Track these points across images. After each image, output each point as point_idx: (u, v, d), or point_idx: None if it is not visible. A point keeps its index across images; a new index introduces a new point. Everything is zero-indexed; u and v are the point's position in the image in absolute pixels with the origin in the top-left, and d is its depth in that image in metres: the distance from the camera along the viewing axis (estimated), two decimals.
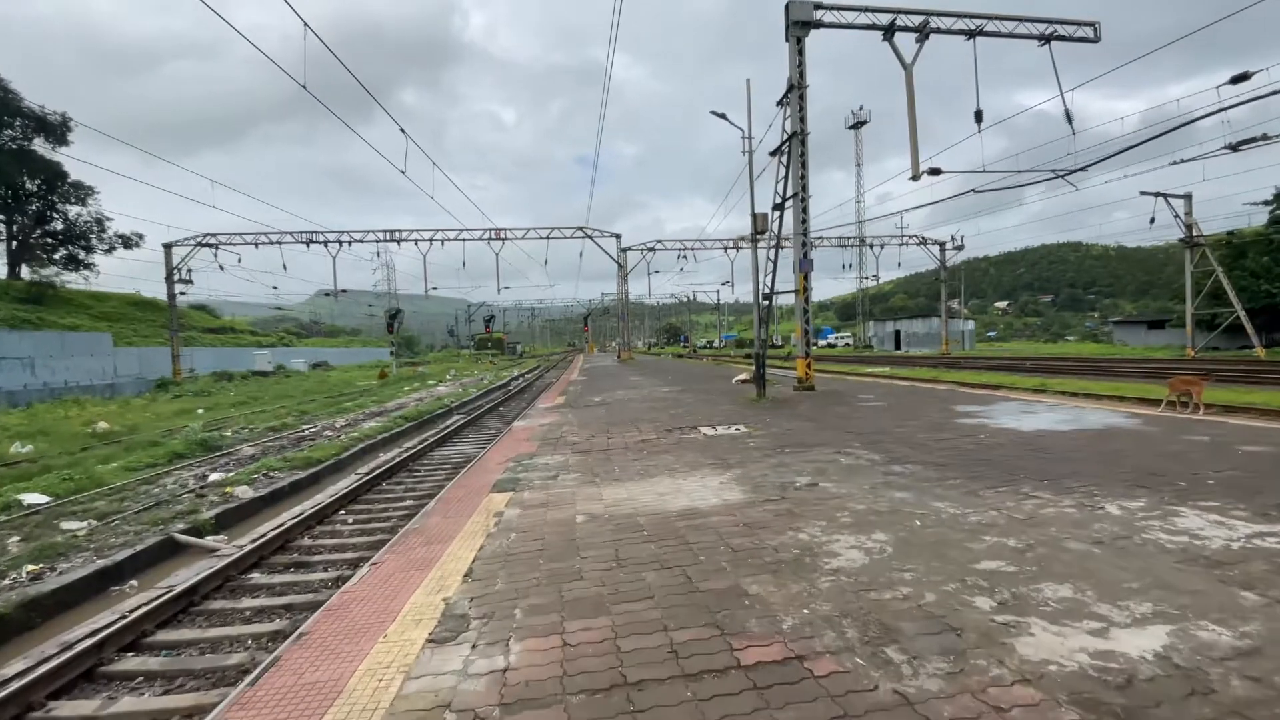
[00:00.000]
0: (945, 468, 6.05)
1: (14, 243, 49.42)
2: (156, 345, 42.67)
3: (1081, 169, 13.69)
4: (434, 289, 38.10)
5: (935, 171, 14.65)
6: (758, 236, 12.97)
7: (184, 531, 8.43)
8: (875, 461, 6.49)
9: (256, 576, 7.06)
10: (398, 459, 12.46)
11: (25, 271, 48.80)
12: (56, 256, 50.88)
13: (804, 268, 13.99)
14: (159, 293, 43.14)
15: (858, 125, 61.06)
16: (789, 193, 14.43)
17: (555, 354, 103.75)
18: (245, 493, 10.19)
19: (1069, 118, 16.71)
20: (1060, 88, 16.80)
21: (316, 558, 7.51)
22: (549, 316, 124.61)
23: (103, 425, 19.02)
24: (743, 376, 17.78)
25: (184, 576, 6.74)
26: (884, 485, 5.50)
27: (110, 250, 53.48)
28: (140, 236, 53.02)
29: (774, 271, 15.88)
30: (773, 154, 15.02)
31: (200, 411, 23.84)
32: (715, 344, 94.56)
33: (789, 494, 5.38)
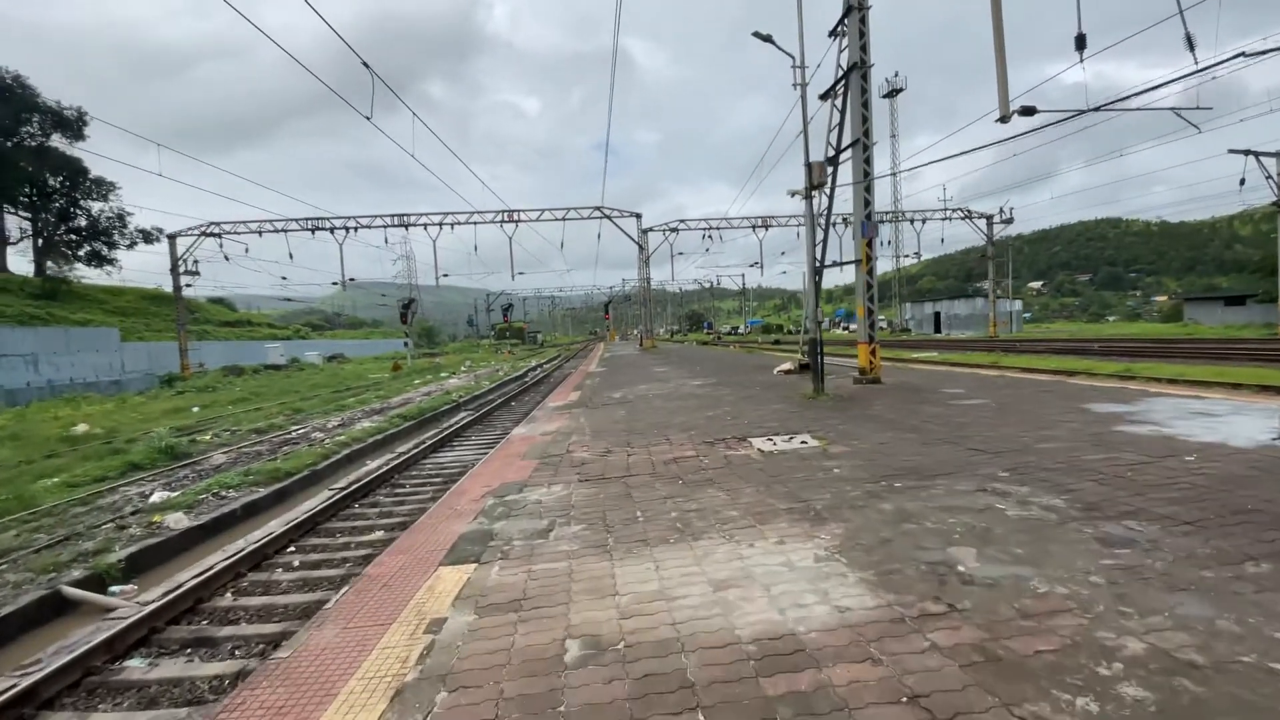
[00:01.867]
0: (1205, 531, 3.52)
1: (39, 239, 48.93)
2: (169, 340, 41.62)
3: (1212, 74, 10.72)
4: (445, 276, 36.18)
5: (1029, 111, 11.81)
6: (813, 192, 10.41)
7: (80, 582, 6.32)
8: (1061, 512, 3.98)
9: (133, 666, 4.91)
10: (383, 469, 10.40)
11: (51, 268, 48.37)
12: (80, 253, 50.38)
13: (867, 233, 11.37)
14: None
15: (893, 93, 57.05)
16: (846, 140, 11.77)
17: (577, 343, 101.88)
18: (178, 522, 8.10)
19: (1190, 44, 13.70)
20: (1180, 6, 13.79)
21: (226, 630, 5.32)
22: (570, 305, 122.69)
23: (82, 427, 17.31)
24: (786, 366, 15.24)
25: (47, 658, 4.78)
26: (1129, 575, 3.01)
27: (132, 245, 52.86)
28: (161, 231, 52.24)
29: (824, 240, 13.27)
30: (824, 96, 12.33)
31: (195, 410, 22.25)
32: (740, 330, 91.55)
33: (958, 595, 2.93)
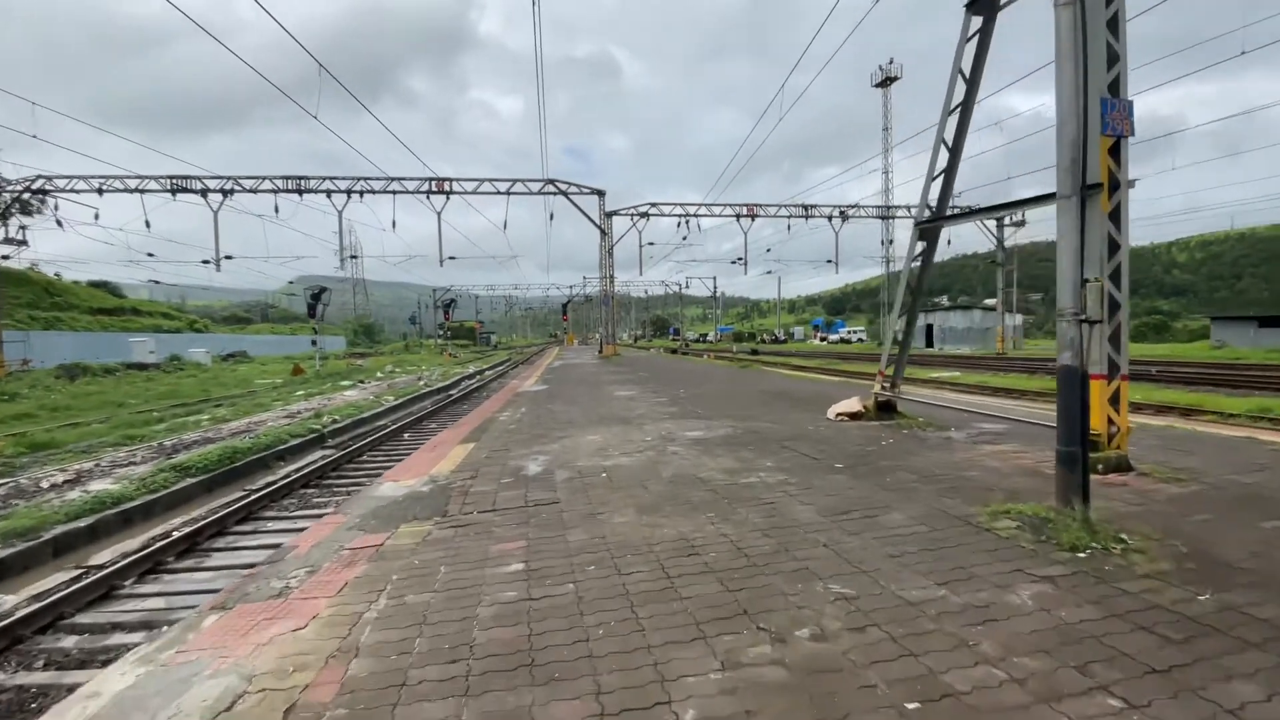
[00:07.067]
0: None
1: None
2: (11, 328, 32.50)
3: None
4: (353, 257, 28.48)
5: None
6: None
7: None
8: None
9: None
10: None
11: None
12: None
13: (1111, 125, 4.95)
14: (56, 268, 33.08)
15: (886, 82, 51.93)
16: None
17: (533, 345, 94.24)
18: None
19: None
20: None
21: None
22: (528, 305, 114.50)
23: None
24: (850, 407, 8.64)
25: None
26: None
27: (6, 217, 43.30)
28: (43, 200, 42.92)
29: (933, 163, 6.79)
30: None
31: None
32: (710, 337, 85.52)
33: None
